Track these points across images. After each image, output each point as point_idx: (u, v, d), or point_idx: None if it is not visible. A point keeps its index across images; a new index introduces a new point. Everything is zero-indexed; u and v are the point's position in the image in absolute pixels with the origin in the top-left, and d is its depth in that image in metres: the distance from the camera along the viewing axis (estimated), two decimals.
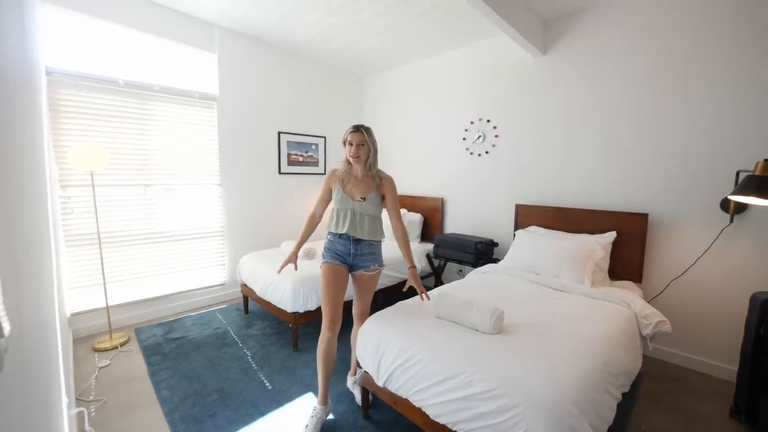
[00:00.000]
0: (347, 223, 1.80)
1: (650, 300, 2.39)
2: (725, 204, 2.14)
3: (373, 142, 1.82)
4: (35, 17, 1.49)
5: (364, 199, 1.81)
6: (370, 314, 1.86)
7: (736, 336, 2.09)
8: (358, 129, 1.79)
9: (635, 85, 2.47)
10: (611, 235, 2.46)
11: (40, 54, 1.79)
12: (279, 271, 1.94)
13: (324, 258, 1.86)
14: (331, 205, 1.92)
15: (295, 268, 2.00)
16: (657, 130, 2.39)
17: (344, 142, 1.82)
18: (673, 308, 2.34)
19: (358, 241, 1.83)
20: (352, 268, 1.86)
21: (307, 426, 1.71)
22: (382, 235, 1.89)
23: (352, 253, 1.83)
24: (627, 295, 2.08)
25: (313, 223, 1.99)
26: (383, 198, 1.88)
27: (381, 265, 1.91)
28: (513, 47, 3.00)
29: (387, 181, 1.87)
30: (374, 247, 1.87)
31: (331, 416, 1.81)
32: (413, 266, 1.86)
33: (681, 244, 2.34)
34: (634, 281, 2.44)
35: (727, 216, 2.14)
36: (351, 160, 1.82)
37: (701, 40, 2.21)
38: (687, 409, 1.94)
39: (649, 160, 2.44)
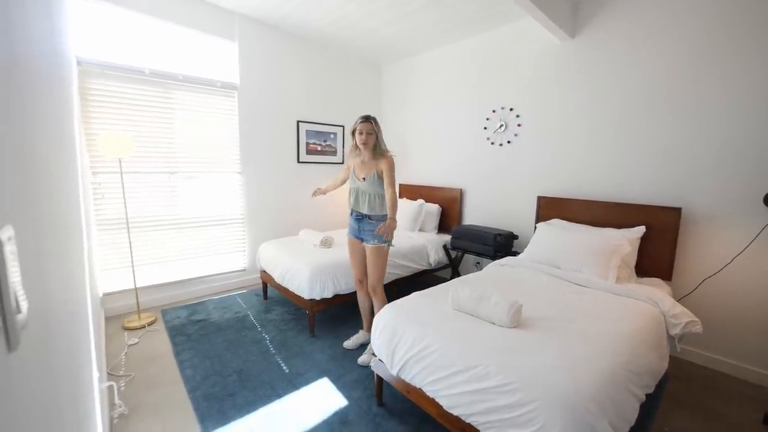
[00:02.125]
0: (352, 201, 2.21)
1: (680, 299, 2.27)
2: None
3: (379, 130, 2.13)
4: (63, 7, 1.53)
5: (364, 179, 2.14)
6: (387, 303, 1.86)
7: None
8: (367, 119, 2.09)
9: (671, 72, 2.30)
10: (639, 230, 2.34)
11: (70, 44, 1.85)
12: (314, 194, 2.49)
13: (347, 233, 2.34)
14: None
15: (314, 194, 2.52)
16: (694, 120, 2.24)
17: (353, 132, 2.13)
18: (704, 308, 2.22)
19: (361, 219, 2.19)
20: (362, 241, 2.22)
21: (349, 340, 2.37)
22: (383, 210, 2.15)
23: (358, 228, 2.22)
24: (655, 292, 1.98)
25: (335, 182, 2.49)
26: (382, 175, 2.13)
27: (383, 241, 2.14)
28: (538, 32, 2.86)
29: (385, 159, 2.13)
30: (375, 225, 2.12)
31: (345, 403, 1.84)
32: (392, 219, 2.04)
33: (717, 240, 2.20)
34: (663, 279, 2.32)
35: None
36: (361, 147, 2.13)
37: (745, 24, 2.03)
38: (715, 413, 1.85)
39: (685, 152, 2.28)
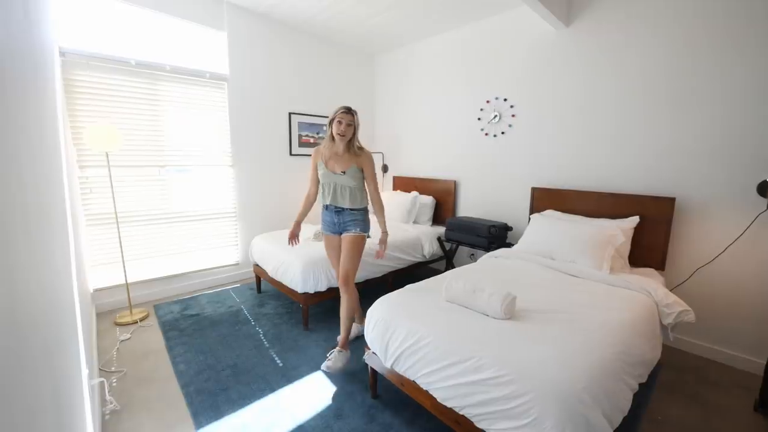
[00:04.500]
0: (330, 195, 2.10)
1: (673, 288, 2.28)
2: (763, 188, 1.98)
3: (358, 125, 2.07)
4: None
5: (343, 172, 2.06)
6: (381, 296, 1.84)
7: (766, 327, 1.99)
8: (349, 111, 2.02)
9: (667, 60, 2.28)
10: (633, 220, 2.34)
11: (51, 34, 1.78)
12: (290, 243, 2.25)
13: (322, 230, 2.25)
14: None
15: (297, 241, 2.27)
16: (689, 109, 2.22)
17: (331, 121, 2.03)
18: (697, 297, 2.23)
19: (340, 211, 2.12)
20: (341, 234, 2.16)
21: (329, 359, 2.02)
22: (363, 202, 2.15)
23: (336, 222, 2.15)
24: (648, 282, 1.99)
25: (309, 201, 2.28)
26: (363, 171, 2.11)
27: (364, 231, 2.15)
28: (533, 20, 2.82)
29: (366, 156, 2.10)
30: (356, 215, 2.12)
31: (339, 396, 1.84)
32: (386, 232, 2.19)
33: (710, 230, 2.21)
34: (656, 268, 2.33)
35: (765, 201, 1.99)
36: (337, 137, 2.02)
37: (740, 10, 2.01)
38: (707, 401, 1.87)
39: (679, 141, 2.27)
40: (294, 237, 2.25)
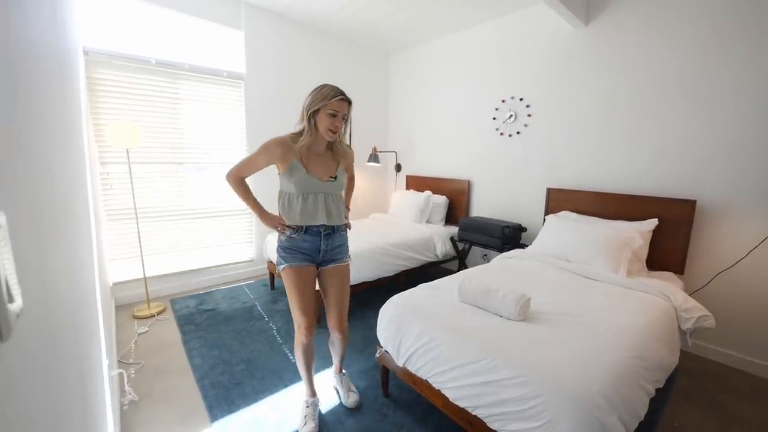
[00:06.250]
0: (323, 211, 1.49)
1: (692, 293, 2.22)
2: None
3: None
4: None
5: (334, 178, 1.53)
6: (392, 295, 1.84)
7: None
8: (347, 98, 1.46)
9: (689, 59, 2.21)
10: (652, 223, 2.29)
11: (76, 33, 1.84)
12: (281, 232, 1.55)
13: (285, 261, 1.51)
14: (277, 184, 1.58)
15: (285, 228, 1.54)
16: (713, 108, 2.15)
17: (317, 110, 1.44)
18: (717, 302, 2.17)
19: (330, 234, 1.54)
20: (320, 265, 1.58)
21: (305, 417, 1.60)
22: (345, 213, 1.65)
23: (323, 249, 1.54)
24: (667, 286, 1.94)
25: (245, 183, 1.68)
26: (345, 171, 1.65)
27: (349, 255, 1.67)
28: (551, 19, 2.77)
29: (351, 152, 1.63)
30: (344, 235, 1.63)
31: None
32: (348, 208, 1.71)
33: (732, 233, 2.14)
34: (675, 272, 2.27)
35: None
36: (326, 135, 1.47)
37: (750, 19, 1.95)
38: (726, 408, 1.82)
39: (701, 142, 2.21)
40: (281, 224, 1.55)
